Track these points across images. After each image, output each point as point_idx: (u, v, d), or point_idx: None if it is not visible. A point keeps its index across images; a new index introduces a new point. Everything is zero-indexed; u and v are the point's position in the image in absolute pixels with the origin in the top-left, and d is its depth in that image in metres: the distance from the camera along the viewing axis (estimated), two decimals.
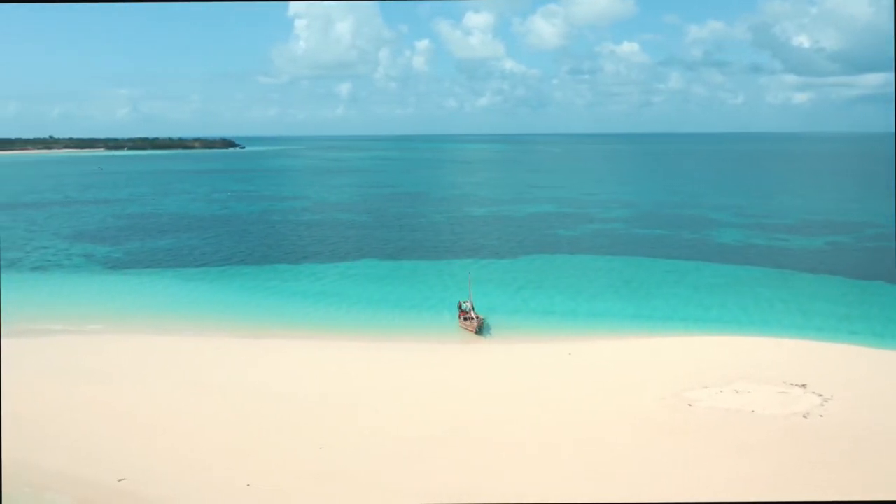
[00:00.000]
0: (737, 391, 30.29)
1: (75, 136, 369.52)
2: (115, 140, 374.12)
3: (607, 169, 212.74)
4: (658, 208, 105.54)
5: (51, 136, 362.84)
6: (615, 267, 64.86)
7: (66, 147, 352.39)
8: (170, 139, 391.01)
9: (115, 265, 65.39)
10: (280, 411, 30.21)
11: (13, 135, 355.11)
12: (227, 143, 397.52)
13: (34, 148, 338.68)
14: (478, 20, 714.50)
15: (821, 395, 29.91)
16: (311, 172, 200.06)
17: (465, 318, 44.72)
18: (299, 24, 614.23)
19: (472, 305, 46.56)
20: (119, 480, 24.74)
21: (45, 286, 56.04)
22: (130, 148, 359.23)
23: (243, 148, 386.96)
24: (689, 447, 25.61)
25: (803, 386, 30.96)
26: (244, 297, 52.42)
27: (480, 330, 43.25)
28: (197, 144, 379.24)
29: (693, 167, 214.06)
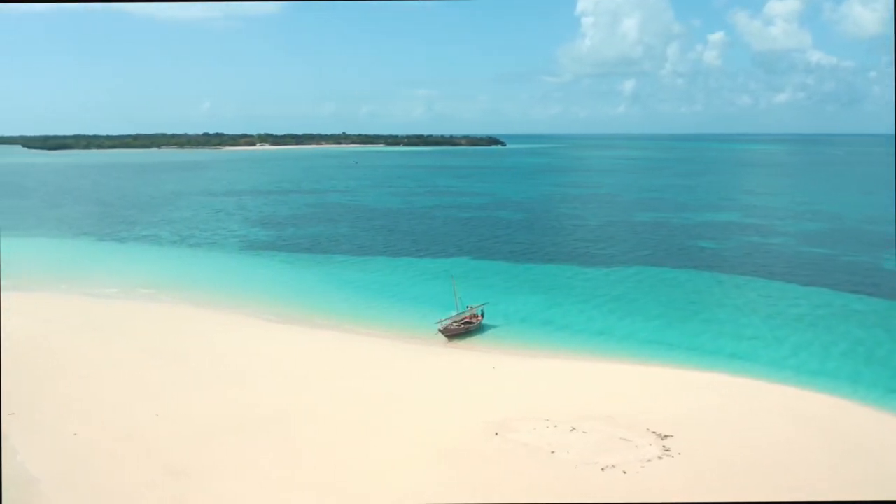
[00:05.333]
0: (573, 429, 27.01)
1: (363, 132, 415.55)
2: (394, 137, 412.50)
3: (863, 176, 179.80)
4: (859, 223, 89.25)
5: (343, 133, 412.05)
6: (713, 287, 58.25)
7: (352, 143, 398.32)
8: (441, 136, 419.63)
9: (255, 246, 75.56)
10: (186, 383, 34.40)
11: (322, 131, 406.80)
12: (491, 140, 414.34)
13: (327, 143, 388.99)
14: (781, 8, 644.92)
15: (667, 451, 25.41)
16: (532, 170, 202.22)
17: (464, 323, 44.70)
18: (586, 21, 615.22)
19: (483, 311, 46.17)
20: (10, 414, 31.04)
21: (170, 259, 67.91)
22: (406, 144, 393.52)
23: (505, 145, 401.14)
24: (443, 472, 24.18)
25: (664, 437, 26.43)
26: (306, 283, 57.99)
27: (453, 335, 42.96)
28: (463, 142, 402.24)
29: None
